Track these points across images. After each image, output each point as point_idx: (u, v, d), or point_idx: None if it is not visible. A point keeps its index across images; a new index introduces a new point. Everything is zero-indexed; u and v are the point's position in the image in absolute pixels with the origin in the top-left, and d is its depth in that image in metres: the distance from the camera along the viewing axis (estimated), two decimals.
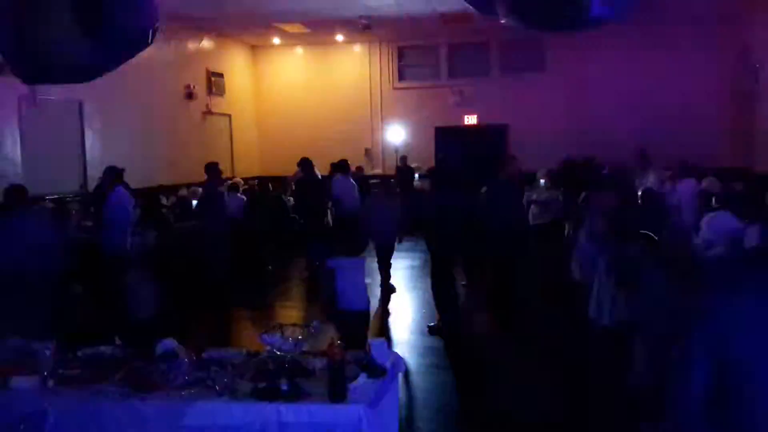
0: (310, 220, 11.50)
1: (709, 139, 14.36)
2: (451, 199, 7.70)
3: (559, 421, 5.13)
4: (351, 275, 5.24)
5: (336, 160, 12.36)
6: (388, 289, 9.26)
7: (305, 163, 11.66)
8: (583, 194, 7.42)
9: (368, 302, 5.42)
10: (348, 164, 11.78)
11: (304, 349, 3.41)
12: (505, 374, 6.31)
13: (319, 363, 3.34)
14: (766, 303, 1.86)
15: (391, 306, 8.91)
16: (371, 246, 8.79)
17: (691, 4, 13.39)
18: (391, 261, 9.48)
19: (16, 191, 6.45)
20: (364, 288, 5.41)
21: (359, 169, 15.10)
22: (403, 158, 15.84)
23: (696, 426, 1.97)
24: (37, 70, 4.15)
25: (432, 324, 7.68)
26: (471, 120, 17.27)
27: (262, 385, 3.16)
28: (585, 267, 7.40)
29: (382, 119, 17.93)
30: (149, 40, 4.20)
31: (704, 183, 9.95)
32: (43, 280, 5.85)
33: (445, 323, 7.58)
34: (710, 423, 1.96)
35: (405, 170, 15.42)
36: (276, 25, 15.44)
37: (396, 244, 9.35)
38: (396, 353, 3.71)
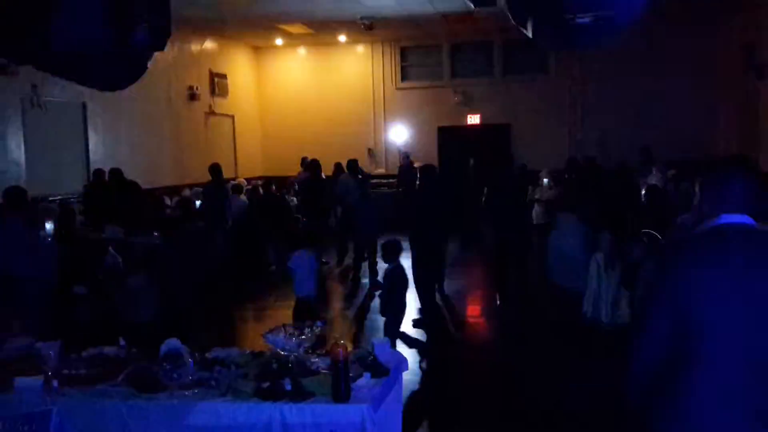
0: (314, 220, 11.53)
1: (712, 138, 14.34)
2: (430, 199, 7.96)
3: (562, 421, 5.12)
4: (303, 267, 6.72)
5: (339, 161, 12.42)
6: (374, 285, 9.36)
7: (312, 164, 11.71)
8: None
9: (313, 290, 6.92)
10: (356, 164, 11.84)
11: (308, 348, 3.42)
12: (508, 374, 6.31)
13: (322, 363, 3.34)
14: (721, 272, 2.17)
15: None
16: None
17: (693, 2, 13.36)
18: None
19: (11, 193, 6.33)
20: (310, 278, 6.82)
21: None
22: (407, 156, 15.80)
23: (646, 386, 2.25)
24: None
25: (416, 318, 7.81)
26: (474, 120, 17.27)
27: (265, 384, 3.17)
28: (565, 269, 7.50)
29: (384, 119, 17.94)
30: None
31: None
32: (36, 284, 5.79)
33: (427, 317, 7.74)
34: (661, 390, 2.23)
35: (408, 169, 15.37)
36: (279, 26, 15.44)
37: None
38: (399, 353, 3.72)
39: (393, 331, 6.25)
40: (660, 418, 2.26)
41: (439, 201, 8.05)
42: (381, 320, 8.24)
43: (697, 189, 2.40)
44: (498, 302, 8.58)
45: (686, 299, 2.21)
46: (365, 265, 10.26)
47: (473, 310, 9.06)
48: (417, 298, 7.82)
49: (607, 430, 4.75)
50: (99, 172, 10.66)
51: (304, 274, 6.96)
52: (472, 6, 9.60)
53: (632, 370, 2.30)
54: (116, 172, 10.26)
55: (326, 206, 11.62)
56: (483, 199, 9.89)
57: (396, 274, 6.34)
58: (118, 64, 4.29)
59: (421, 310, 7.88)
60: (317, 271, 7.30)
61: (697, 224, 2.45)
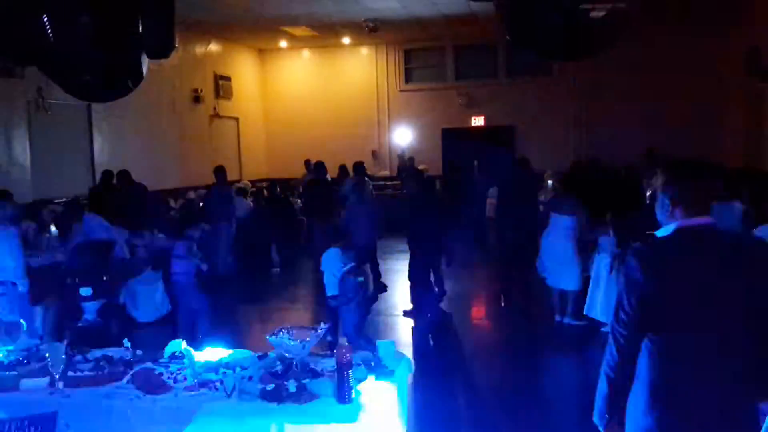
0: (319, 221, 11.53)
1: (717, 141, 14.31)
2: (421, 200, 8.32)
3: (565, 422, 5.12)
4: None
5: (343, 163, 12.42)
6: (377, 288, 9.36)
7: (317, 166, 11.72)
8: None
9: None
10: (362, 166, 11.83)
11: (312, 350, 3.42)
12: (512, 376, 6.30)
13: (326, 364, 3.35)
14: (683, 273, 2.37)
15: (397, 306, 8.91)
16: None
17: (697, 2, 13.35)
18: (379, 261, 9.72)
19: None
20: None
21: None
22: (411, 160, 15.84)
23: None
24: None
25: (406, 309, 8.28)
26: (478, 122, 17.27)
27: (269, 386, 3.17)
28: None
29: (389, 121, 17.95)
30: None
31: None
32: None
33: (417, 309, 8.13)
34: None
35: (413, 172, 15.37)
36: (283, 28, 15.47)
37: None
38: (404, 354, 3.72)
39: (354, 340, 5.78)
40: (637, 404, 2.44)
41: (430, 202, 8.31)
42: (384, 322, 8.27)
43: (659, 191, 2.54)
44: (503, 304, 8.58)
45: (653, 298, 2.36)
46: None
47: (478, 312, 9.06)
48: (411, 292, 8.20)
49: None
50: (107, 173, 10.67)
51: (334, 274, 6.56)
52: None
53: (610, 351, 2.48)
54: (124, 174, 10.31)
55: (330, 208, 11.61)
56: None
57: (348, 284, 6.08)
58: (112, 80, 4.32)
59: (413, 303, 8.23)
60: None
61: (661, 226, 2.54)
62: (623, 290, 2.45)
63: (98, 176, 11.46)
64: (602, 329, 6.86)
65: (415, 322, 7.95)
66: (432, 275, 8.42)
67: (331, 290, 6.14)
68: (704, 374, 2.36)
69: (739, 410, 2.38)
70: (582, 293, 7.44)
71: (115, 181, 10.43)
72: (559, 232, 7.50)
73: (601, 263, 7.10)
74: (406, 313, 8.28)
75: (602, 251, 7.18)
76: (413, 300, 8.41)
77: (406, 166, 15.50)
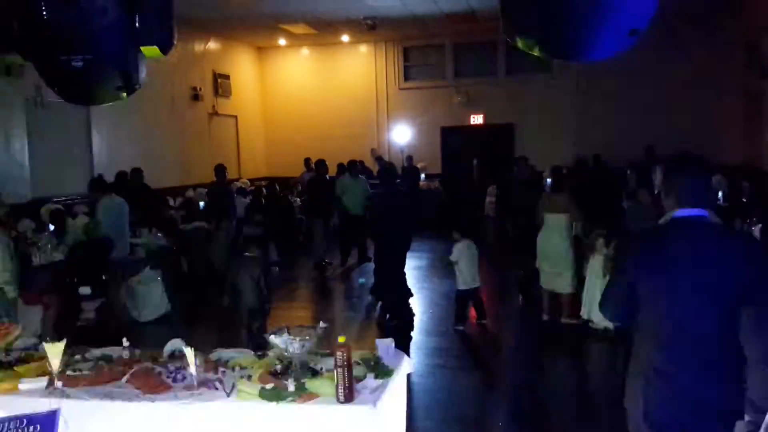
0: (316, 219, 11.56)
1: (716, 137, 14.29)
2: (390, 200, 8.13)
3: (565, 422, 5.12)
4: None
5: (341, 161, 12.43)
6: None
7: (318, 164, 11.72)
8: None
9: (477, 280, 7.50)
10: (356, 165, 11.83)
11: (311, 349, 3.42)
12: (512, 376, 6.30)
13: (326, 363, 3.34)
14: (675, 260, 2.56)
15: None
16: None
17: (697, 1, 13.34)
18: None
19: None
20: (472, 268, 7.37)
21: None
22: (409, 158, 15.83)
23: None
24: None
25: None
26: (477, 120, 17.25)
27: (269, 385, 3.17)
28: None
29: (388, 119, 17.94)
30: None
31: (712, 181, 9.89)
32: None
33: (387, 314, 8.00)
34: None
35: (411, 170, 15.39)
36: (282, 26, 15.46)
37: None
38: (404, 354, 3.71)
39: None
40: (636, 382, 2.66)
41: (401, 202, 8.26)
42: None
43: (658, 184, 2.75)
44: (521, 302, 8.54)
45: (643, 283, 2.60)
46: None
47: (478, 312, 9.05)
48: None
49: (606, 426, 4.75)
50: (121, 174, 10.55)
51: (468, 265, 7.40)
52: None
53: (604, 301, 2.84)
54: (138, 172, 10.48)
55: (329, 206, 11.63)
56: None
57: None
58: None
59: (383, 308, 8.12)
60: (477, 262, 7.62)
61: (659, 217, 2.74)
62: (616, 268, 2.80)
63: (94, 175, 11.47)
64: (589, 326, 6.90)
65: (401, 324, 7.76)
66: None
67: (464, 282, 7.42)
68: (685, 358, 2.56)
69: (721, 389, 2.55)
70: (575, 294, 7.44)
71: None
72: (553, 231, 7.45)
73: (596, 265, 7.09)
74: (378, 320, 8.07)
75: (596, 253, 7.18)
76: (387, 307, 8.14)
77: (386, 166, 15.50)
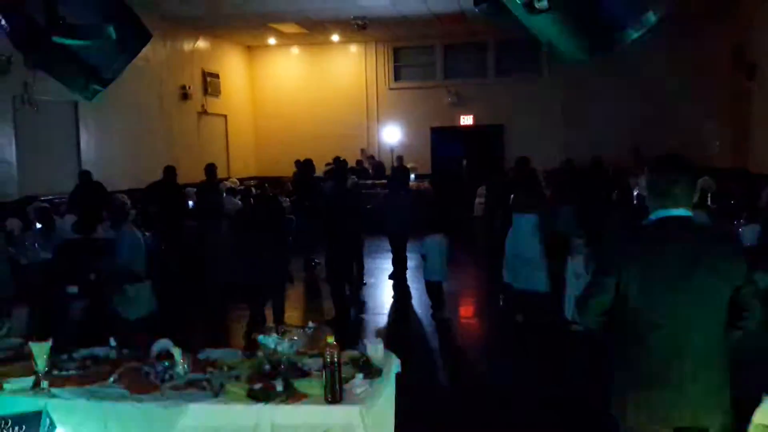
0: (305, 219, 11.54)
1: (704, 138, 14.39)
2: (341, 199, 8.46)
3: (557, 419, 5.13)
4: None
5: (331, 160, 12.42)
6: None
7: (304, 164, 11.71)
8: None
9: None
10: (344, 166, 11.82)
11: (300, 349, 3.41)
12: (502, 374, 6.31)
13: (314, 363, 3.34)
14: (659, 259, 2.60)
15: (389, 305, 8.93)
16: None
17: (684, 2, 13.41)
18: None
19: None
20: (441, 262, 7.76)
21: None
22: (399, 158, 15.85)
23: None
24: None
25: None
26: (467, 120, 17.30)
27: (257, 385, 3.16)
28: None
29: (377, 119, 17.95)
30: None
31: (699, 182, 9.94)
32: None
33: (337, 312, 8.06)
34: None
35: (401, 170, 15.38)
36: (272, 25, 15.43)
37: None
38: (392, 353, 3.71)
39: None
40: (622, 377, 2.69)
41: (350, 200, 8.53)
42: (374, 320, 8.26)
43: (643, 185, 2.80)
44: (501, 303, 8.55)
45: (627, 282, 2.61)
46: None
47: (466, 311, 9.07)
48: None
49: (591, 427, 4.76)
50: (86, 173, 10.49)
51: (434, 257, 7.77)
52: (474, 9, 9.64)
53: (583, 304, 2.80)
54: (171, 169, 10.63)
55: (317, 206, 11.61)
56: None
57: None
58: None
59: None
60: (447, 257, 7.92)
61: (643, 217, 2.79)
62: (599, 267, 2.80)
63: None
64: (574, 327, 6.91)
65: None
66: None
67: (432, 275, 7.79)
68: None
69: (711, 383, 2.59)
70: (551, 294, 7.44)
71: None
72: (523, 231, 7.47)
73: (575, 266, 7.10)
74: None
75: (575, 253, 7.18)
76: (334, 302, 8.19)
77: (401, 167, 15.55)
